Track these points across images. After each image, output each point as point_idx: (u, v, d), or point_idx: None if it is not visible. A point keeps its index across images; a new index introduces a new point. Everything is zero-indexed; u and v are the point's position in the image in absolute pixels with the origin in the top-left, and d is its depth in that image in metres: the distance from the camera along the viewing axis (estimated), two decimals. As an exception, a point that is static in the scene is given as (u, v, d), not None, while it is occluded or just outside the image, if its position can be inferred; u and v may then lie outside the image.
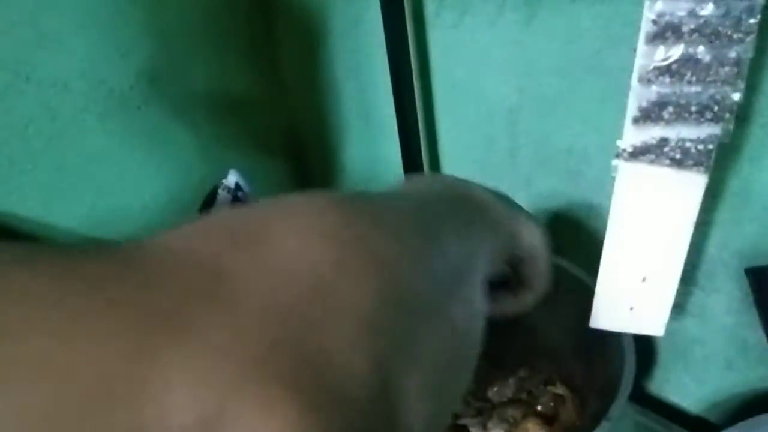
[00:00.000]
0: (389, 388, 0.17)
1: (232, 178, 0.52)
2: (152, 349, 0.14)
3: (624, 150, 0.29)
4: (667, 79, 0.26)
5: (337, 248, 0.17)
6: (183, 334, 0.14)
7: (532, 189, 0.60)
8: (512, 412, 0.44)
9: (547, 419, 0.44)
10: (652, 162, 0.28)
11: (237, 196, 0.51)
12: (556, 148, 0.56)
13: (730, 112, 0.27)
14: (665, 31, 0.25)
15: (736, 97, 0.26)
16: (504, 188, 0.62)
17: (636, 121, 0.27)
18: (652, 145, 0.28)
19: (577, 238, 0.58)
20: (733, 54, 0.24)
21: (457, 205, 0.27)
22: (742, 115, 0.38)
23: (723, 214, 0.46)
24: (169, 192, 0.74)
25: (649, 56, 0.26)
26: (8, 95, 0.60)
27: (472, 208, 0.27)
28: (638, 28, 0.47)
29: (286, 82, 0.82)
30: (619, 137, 0.50)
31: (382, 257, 0.18)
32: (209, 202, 0.53)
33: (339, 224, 0.18)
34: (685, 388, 0.55)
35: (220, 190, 0.52)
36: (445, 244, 0.21)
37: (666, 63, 0.25)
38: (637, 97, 0.27)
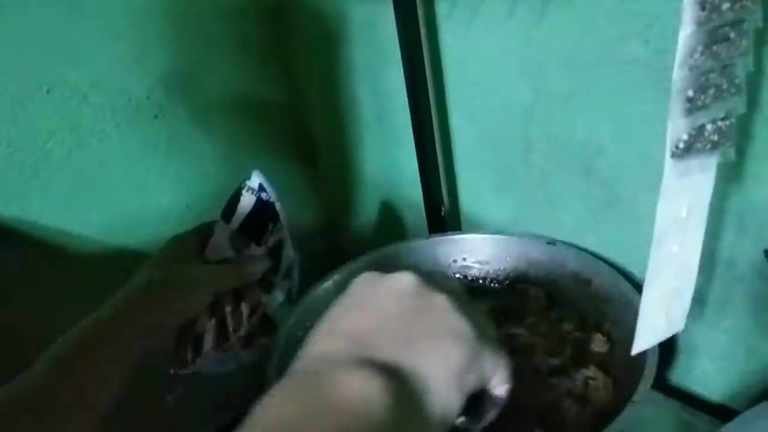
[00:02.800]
0: None
1: (256, 180, 0.52)
2: None
3: (677, 147, 0.28)
4: (709, 63, 0.26)
5: None
6: None
7: (548, 185, 0.60)
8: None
9: (581, 401, 0.45)
10: (698, 152, 0.28)
11: (261, 198, 0.52)
12: (571, 142, 0.56)
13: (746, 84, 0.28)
14: (711, 14, 0.25)
15: (750, 66, 0.27)
16: (519, 185, 0.64)
17: (687, 112, 0.27)
18: (694, 135, 0.28)
19: (594, 230, 0.59)
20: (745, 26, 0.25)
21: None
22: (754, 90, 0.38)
23: (738, 197, 0.45)
24: (187, 198, 0.74)
25: (693, 43, 0.26)
26: (30, 107, 0.61)
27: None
28: (648, 21, 0.48)
29: (302, 86, 0.82)
30: (638, 130, 0.52)
31: None
32: (233, 203, 0.53)
33: None
34: (707, 376, 0.55)
35: (244, 192, 0.53)
36: None
37: (708, 47, 0.26)
38: (683, 87, 0.27)
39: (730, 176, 0.44)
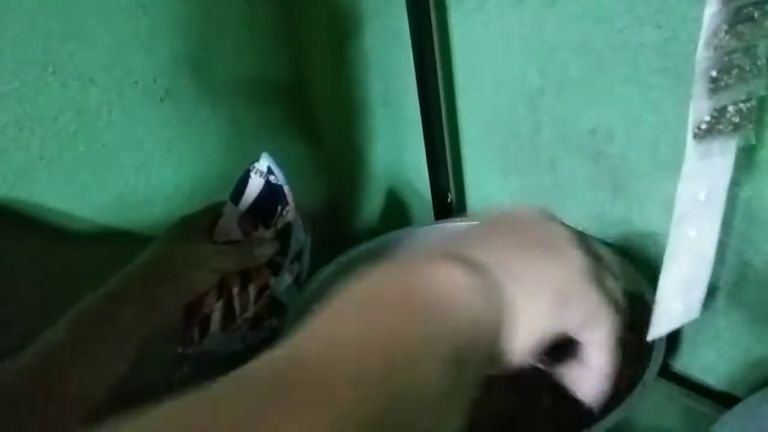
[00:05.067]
0: None
1: (264, 162, 0.52)
2: None
3: (699, 128, 0.28)
4: (733, 43, 0.26)
5: None
6: None
7: (556, 171, 0.59)
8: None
9: None
10: (720, 133, 0.28)
11: (269, 181, 0.52)
12: (580, 129, 0.55)
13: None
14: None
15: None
16: (526, 171, 0.63)
17: (711, 93, 0.26)
18: (716, 116, 0.27)
19: (603, 219, 0.59)
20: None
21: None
22: None
23: (749, 185, 0.45)
24: (192, 181, 0.73)
25: (718, 22, 0.25)
26: (36, 88, 0.60)
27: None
28: (660, 7, 0.47)
29: (309, 70, 0.81)
30: (648, 117, 0.51)
31: None
32: (241, 185, 0.53)
33: None
34: (711, 364, 0.55)
35: (252, 174, 0.52)
36: None
37: (732, 27, 0.25)
38: (707, 67, 0.26)
39: (741, 164, 0.44)
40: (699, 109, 0.28)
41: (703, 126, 0.28)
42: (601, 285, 0.28)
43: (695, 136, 0.28)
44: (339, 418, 0.19)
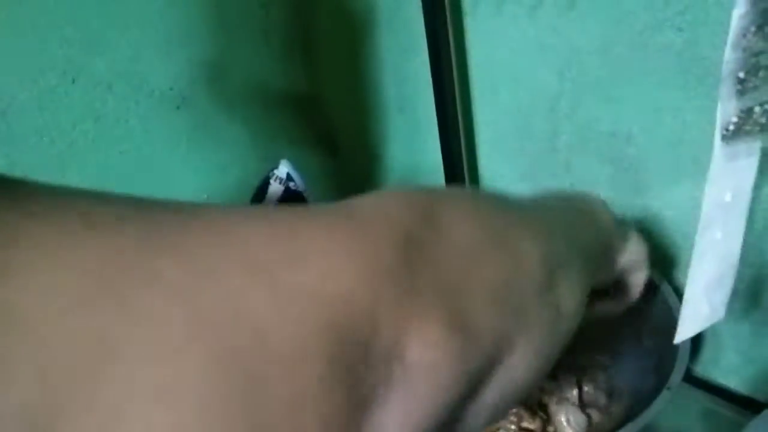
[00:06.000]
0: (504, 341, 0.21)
1: (283, 169, 0.52)
2: None
3: (727, 129, 0.28)
4: (760, 44, 0.26)
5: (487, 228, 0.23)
6: None
7: (573, 174, 0.60)
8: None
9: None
10: (747, 135, 0.28)
11: (289, 187, 0.52)
12: (598, 132, 0.55)
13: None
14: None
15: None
16: (543, 174, 0.63)
17: (739, 94, 0.27)
18: (743, 117, 0.27)
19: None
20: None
21: (577, 217, 0.34)
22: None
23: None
24: (209, 189, 0.74)
25: (746, 23, 0.26)
26: (56, 96, 0.61)
27: (589, 221, 0.34)
28: (681, 9, 0.48)
29: (324, 75, 0.82)
30: (667, 119, 0.51)
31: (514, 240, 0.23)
32: (261, 193, 0.53)
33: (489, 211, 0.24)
34: (733, 368, 0.55)
35: (272, 181, 0.53)
36: (556, 243, 0.27)
37: (760, 28, 0.25)
38: (734, 68, 0.26)
39: (760, 166, 0.44)
40: (726, 110, 0.28)
41: (731, 127, 0.28)
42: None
43: (723, 137, 0.28)
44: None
